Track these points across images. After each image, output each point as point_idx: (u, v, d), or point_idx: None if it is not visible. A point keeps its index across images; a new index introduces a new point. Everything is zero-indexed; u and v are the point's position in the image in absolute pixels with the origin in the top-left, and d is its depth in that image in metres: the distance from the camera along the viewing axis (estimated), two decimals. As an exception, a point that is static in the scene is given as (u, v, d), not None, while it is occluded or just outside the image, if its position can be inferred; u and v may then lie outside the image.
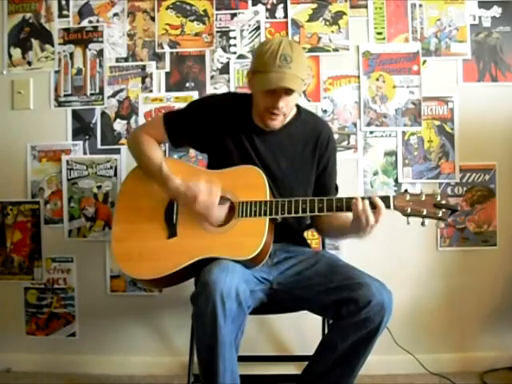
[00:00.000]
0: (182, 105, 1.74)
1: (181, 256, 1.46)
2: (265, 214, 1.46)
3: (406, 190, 1.41)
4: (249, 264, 1.45)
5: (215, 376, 1.32)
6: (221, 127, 1.60)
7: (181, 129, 1.63)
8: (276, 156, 1.60)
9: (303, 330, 2.08)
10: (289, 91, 1.45)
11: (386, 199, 1.39)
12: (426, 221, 1.38)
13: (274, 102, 1.47)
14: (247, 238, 1.45)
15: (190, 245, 1.48)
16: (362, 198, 1.40)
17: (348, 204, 1.42)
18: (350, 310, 1.37)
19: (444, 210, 1.37)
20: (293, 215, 1.46)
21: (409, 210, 1.38)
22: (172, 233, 1.52)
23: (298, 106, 1.66)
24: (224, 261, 1.39)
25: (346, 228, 1.49)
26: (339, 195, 1.66)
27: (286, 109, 1.51)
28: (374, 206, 1.38)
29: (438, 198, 1.38)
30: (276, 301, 1.56)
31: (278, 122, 1.54)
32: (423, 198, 1.39)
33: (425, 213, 1.37)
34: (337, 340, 1.42)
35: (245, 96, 1.65)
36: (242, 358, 1.40)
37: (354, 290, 1.38)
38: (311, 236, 2.03)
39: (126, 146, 1.83)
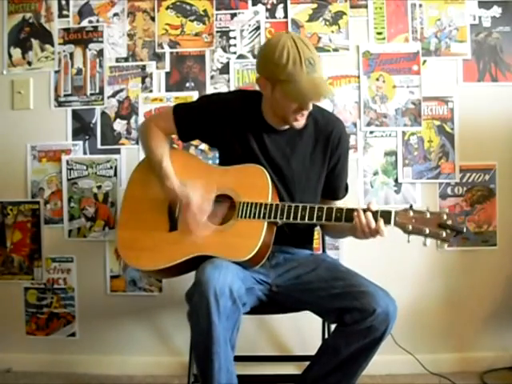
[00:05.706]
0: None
1: (177, 251, 1.48)
2: (263, 217, 1.45)
3: (410, 206, 1.34)
4: (246, 264, 1.45)
5: (210, 374, 1.32)
6: (230, 124, 1.58)
7: (190, 123, 1.64)
8: (286, 155, 1.57)
9: (303, 330, 2.08)
10: None
11: (387, 214, 1.34)
12: (428, 241, 1.31)
13: (304, 108, 1.47)
14: (243, 239, 1.44)
15: (187, 240, 1.49)
16: (364, 211, 1.36)
17: (348, 215, 1.39)
18: (355, 318, 1.36)
19: (449, 231, 1.28)
20: (291, 221, 1.45)
21: (410, 228, 1.31)
22: (173, 226, 1.54)
23: None
24: (218, 259, 1.39)
25: (345, 230, 1.50)
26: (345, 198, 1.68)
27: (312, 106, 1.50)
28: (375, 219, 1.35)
29: (445, 218, 1.29)
30: (276, 302, 1.56)
31: (305, 121, 1.53)
32: (428, 215, 1.31)
33: (427, 232, 1.30)
34: (341, 345, 1.41)
35: (254, 94, 1.61)
36: (241, 358, 1.41)
37: (358, 299, 1.36)
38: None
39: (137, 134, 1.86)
